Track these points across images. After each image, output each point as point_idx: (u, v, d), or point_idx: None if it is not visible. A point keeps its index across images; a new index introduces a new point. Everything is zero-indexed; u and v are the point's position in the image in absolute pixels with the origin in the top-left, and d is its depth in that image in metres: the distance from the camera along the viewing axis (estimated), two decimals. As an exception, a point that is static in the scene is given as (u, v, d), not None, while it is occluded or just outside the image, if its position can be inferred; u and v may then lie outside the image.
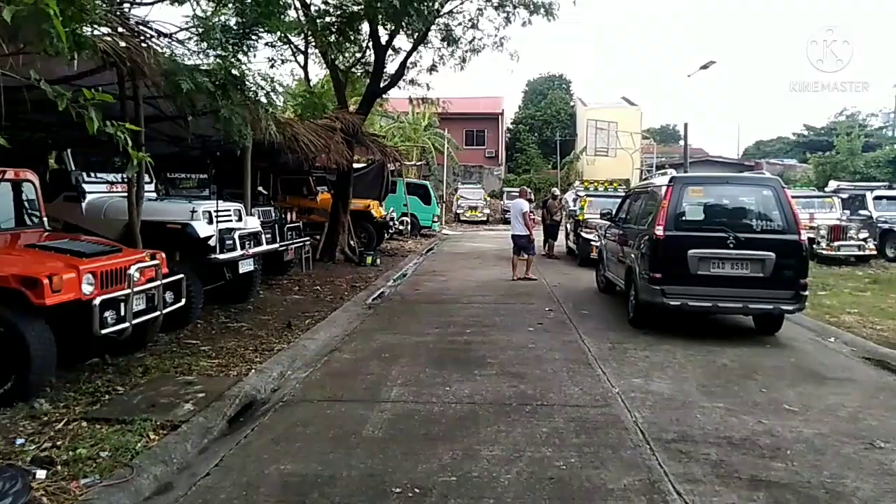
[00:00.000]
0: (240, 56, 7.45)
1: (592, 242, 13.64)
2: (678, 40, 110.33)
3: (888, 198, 17.75)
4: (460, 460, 3.91)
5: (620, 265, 8.61)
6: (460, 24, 14.44)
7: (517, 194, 15.31)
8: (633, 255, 7.87)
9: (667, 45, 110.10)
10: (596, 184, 17.55)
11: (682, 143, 44.71)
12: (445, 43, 14.71)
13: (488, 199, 33.37)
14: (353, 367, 6.08)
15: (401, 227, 20.00)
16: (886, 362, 6.42)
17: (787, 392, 5.36)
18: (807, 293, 7.04)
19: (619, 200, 15.79)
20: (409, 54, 13.68)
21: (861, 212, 17.25)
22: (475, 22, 14.33)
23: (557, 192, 17.48)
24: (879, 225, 16.58)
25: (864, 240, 15.39)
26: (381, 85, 13.94)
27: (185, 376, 5.53)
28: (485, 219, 31.00)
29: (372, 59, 14.94)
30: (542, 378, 5.67)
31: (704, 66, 18.92)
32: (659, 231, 7.04)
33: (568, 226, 16.82)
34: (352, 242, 14.73)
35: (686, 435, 4.33)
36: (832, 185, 19.75)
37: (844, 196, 17.79)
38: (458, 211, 31.27)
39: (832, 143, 43.27)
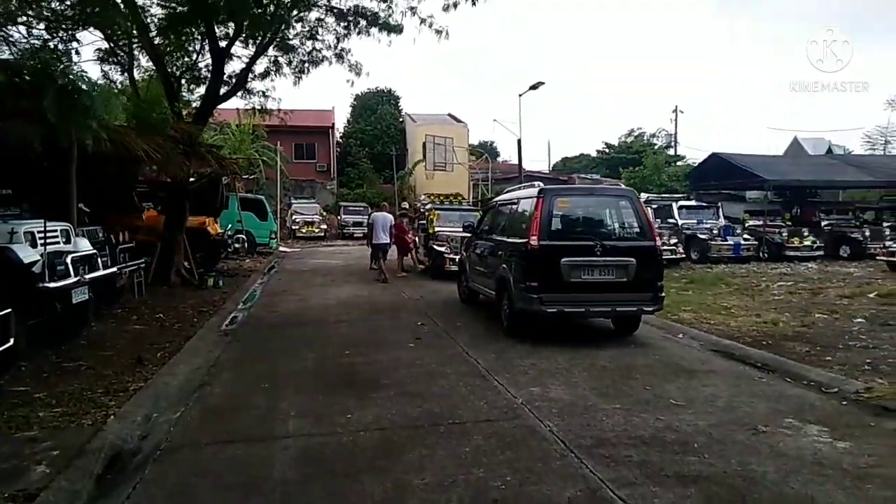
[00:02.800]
0: (59, 48, 6.49)
1: (446, 255, 13.84)
2: (491, 61, 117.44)
3: (688, 207, 20.26)
4: (393, 494, 3.61)
5: (489, 276, 8.74)
6: (298, 34, 13.95)
7: (374, 209, 16.34)
8: (504, 266, 8.02)
9: (481, 66, 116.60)
10: (441, 197, 17.87)
11: (500, 159, 47.47)
12: (282, 51, 14.12)
13: (324, 213, 32.58)
14: (233, 403, 5.44)
15: (237, 245, 18.74)
16: (731, 353, 7.18)
17: (668, 388, 5.74)
18: (664, 294, 7.67)
19: (464, 213, 16.37)
20: (252, 61, 12.87)
21: (669, 220, 19.46)
22: (314, 32, 13.91)
23: (407, 206, 17.63)
24: (684, 231, 18.85)
25: (675, 245, 17.37)
26: (221, 93, 12.94)
27: (24, 432, 4.59)
28: (322, 234, 30.16)
29: (203, 64, 13.97)
30: (443, 395, 5.51)
31: (534, 87, 20.21)
32: (534, 241, 7.24)
33: (417, 239, 16.89)
34: (186, 264, 13.46)
35: (602, 439, 4.42)
36: (643, 196, 22.05)
37: (655, 206, 19.95)
38: (293, 227, 30.10)
39: (629, 160, 48.89)
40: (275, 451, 4.31)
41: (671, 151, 49.27)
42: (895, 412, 5.02)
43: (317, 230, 30.23)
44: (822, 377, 6.03)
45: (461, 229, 14.61)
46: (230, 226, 17.58)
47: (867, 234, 19.61)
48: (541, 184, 7.95)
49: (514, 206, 8.48)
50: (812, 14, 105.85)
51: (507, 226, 8.49)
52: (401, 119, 47.37)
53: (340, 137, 46.94)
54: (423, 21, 11.50)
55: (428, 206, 16.76)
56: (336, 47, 14.06)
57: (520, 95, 21.11)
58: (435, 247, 14.41)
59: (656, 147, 51.99)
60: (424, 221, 15.94)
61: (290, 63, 14.48)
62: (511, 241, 8.02)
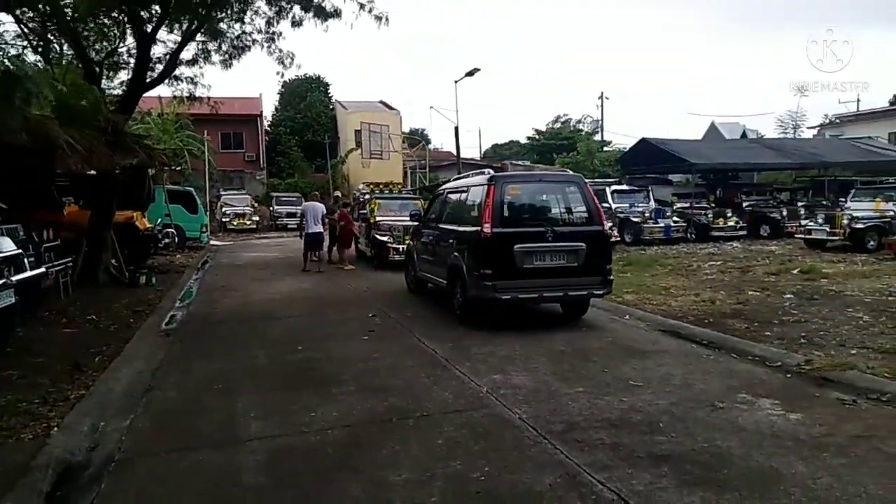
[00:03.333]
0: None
1: (389, 245, 13.72)
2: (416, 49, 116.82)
3: (620, 191, 20.86)
4: (373, 492, 3.52)
5: (439, 265, 8.70)
6: (226, 17, 13.38)
7: (303, 198, 16.14)
8: (456, 254, 7.99)
9: (411, 53, 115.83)
10: (381, 185, 17.66)
11: (430, 146, 47.38)
12: (211, 36, 13.53)
13: (256, 205, 31.62)
14: (187, 407, 5.19)
15: (167, 240, 17.93)
16: (678, 332, 7.44)
17: (624, 369, 5.88)
18: (612, 278, 7.84)
19: (405, 201, 16.27)
20: (181, 47, 12.24)
21: (603, 204, 19.89)
22: (242, 15, 13.38)
23: (339, 195, 17.40)
24: (618, 215, 19.40)
25: (611, 228, 17.80)
26: (148, 80, 12.25)
27: (-43, 452, 4.19)
28: (254, 227, 29.30)
29: (124, 49, 13.24)
30: (406, 387, 5.44)
31: (470, 73, 20.21)
32: (487, 229, 7.25)
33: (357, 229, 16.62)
34: (114, 262, 12.75)
35: (571, 423, 4.47)
36: (578, 181, 22.55)
37: (590, 191, 20.40)
38: (223, 219, 29.08)
39: (558, 146, 49.97)
40: (240, 455, 4.13)
41: (597, 137, 50.67)
42: (835, 382, 5.33)
43: (248, 222, 29.38)
44: (766, 352, 6.32)
45: (405, 218, 14.56)
46: (160, 220, 16.77)
47: (784, 213, 20.78)
48: (490, 171, 7.96)
49: (464, 194, 8.45)
50: (723, 6, 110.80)
51: (458, 214, 8.46)
52: (331, 107, 46.50)
53: (269, 126, 45.63)
54: (362, 6, 11.22)
55: (367, 195, 16.51)
56: (267, 31, 13.64)
57: (456, 82, 21.15)
58: (377, 236, 14.24)
59: (583, 133, 53.37)
60: (365, 211, 15.69)
61: (218, 48, 13.94)
62: (462, 229, 7.99)
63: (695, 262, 14.36)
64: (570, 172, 8.77)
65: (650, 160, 21.57)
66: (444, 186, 9.96)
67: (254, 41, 13.80)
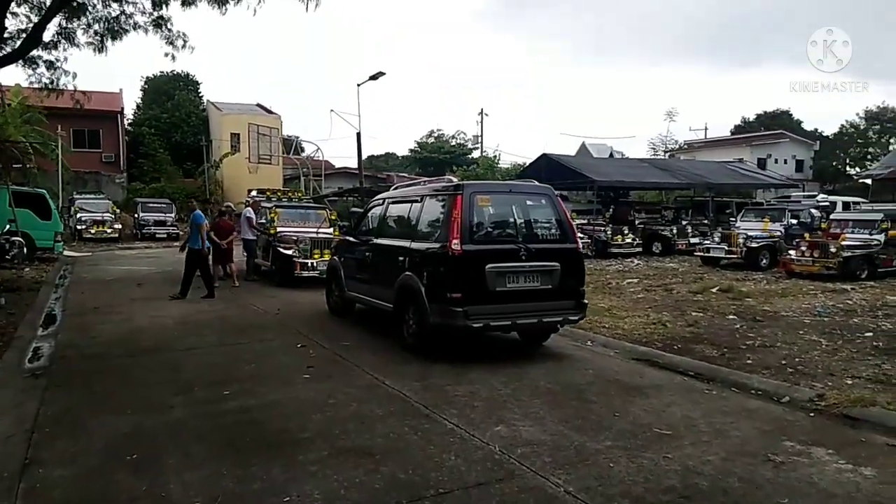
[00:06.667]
0: None
1: (295, 259, 12.26)
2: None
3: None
4: None
5: (381, 286, 7.52)
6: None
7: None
8: (409, 274, 6.85)
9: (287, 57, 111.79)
10: (279, 193, 15.97)
11: (304, 155, 45.34)
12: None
13: (118, 211, 28.10)
14: (92, 492, 3.67)
15: (14, 251, 15.00)
16: (655, 361, 6.83)
17: (634, 411, 5.11)
18: (586, 301, 7.10)
19: (307, 212, 14.82)
20: (47, 17, 10.05)
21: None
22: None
23: (232, 206, 15.43)
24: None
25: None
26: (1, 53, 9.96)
27: None
28: (116, 236, 25.89)
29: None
30: (395, 449, 4.26)
31: (374, 77, 19.03)
32: (456, 245, 6.21)
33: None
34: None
35: (633, 495, 3.57)
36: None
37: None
38: (79, 227, 25.46)
39: (440, 160, 50.31)
40: (203, 581, 2.79)
41: (476, 153, 51.18)
42: (862, 421, 4.88)
43: (109, 231, 25.89)
44: (765, 385, 5.84)
45: (311, 230, 13.20)
46: (7, 227, 13.96)
47: (675, 231, 21.57)
48: (453, 178, 6.94)
49: (415, 205, 7.33)
50: (575, 32, 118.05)
51: (408, 227, 7.31)
52: (202, 107, 43.13)
53: (130, 125, 41.37)
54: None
55: (266, 204, 14.76)
56: (152, 14, 11.76)
57: (359, 85, 19.76)
58: (281, 250, 12.65)
59: (456, 146, 54.40)
60: (264, 220, 13.99)
61: (89, 26, 11.85)
62: (417, 246, 6.86)
63: (611, 280, 14.20)
64: (537, 183, 7.93)
65: (550, 176, 21.45)
66: (382, 195, 8.74)
67: (135, 25, 11.88)
